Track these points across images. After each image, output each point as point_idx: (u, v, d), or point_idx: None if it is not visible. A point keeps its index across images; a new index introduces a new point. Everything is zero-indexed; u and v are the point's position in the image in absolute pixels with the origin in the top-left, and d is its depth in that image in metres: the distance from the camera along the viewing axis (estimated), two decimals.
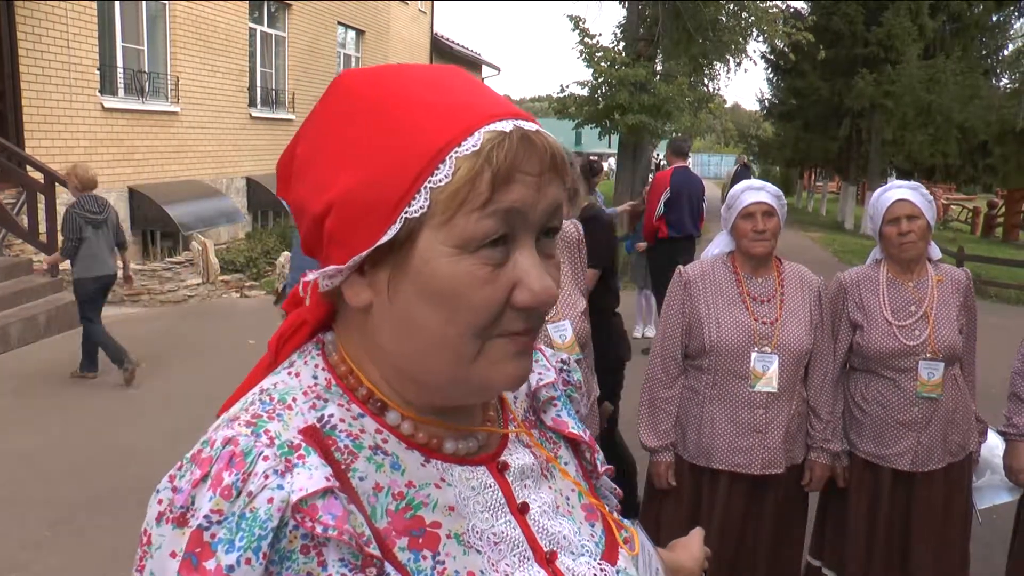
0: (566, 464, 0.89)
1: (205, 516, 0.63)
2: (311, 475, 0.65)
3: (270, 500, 0.63)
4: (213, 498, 0.63)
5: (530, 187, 0.68)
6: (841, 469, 2.86)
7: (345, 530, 0.64)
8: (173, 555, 0.63)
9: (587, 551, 0.81)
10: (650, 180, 11.06)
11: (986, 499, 3.02)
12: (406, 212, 0.66)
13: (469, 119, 0.67)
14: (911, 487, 2.81)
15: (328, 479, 0.66)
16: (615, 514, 0.91)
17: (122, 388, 6.29)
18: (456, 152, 0.66)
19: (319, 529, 0.64)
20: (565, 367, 0.98)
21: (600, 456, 0.95)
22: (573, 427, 0.91)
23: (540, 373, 0.92)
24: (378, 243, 0.67)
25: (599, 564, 0.81)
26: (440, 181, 0.66)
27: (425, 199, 0.66)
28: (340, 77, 0.75)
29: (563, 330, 2.47)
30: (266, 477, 0.64)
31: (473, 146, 0.66)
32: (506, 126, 0.68)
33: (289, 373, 0.76)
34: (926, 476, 2.80)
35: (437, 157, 0.66)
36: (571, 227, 2.66)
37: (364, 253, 0.69)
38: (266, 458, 0.65)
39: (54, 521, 4.13)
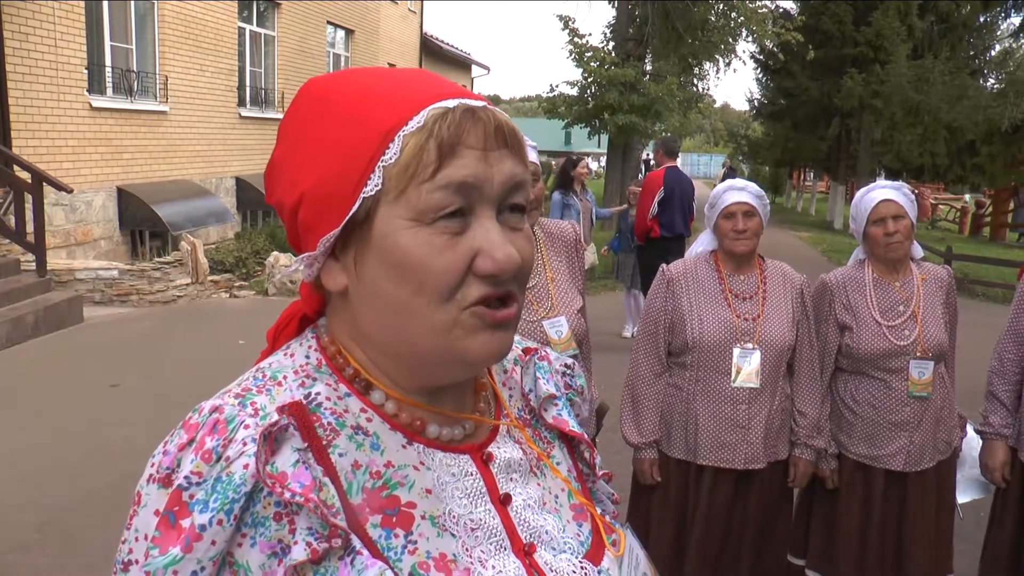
0: (559, 464, 0.89)
1: (185, 477, 0.67)
2: (258, 425, 0.69)
3: (246, 466, 0.67)
4: (194, 461, 0.67)
5: (478, 160, 0.71)
6: (829, 471, 2.87)
7: (311, 499, 0.67)
8: (156, 513, 0.67)
9: (569, 548, 0.81)
10: (640, 180, 11.08)
11: (964, 494, 3.04)
12: (363, 192, 0.71)
13: (416, 101, 0.72)
14: (904, 487, 2.82)
15: (273, 423, 0.69)
16: (607, 517, 0.91)
17: (110, 388, 6.27)
18: (404, 131, 0.70)
19: (287, 495, 0.67)
20: (569, 371, 0.98)
21: (599, 459, 0.95)
22: (573, 426, 0.92)
23: (540, 377, 0.92)
24: (342, 223, 0.72)
25: (580, 562, 0.81)
26: (390, 159, 0.70)
27: (379, 177, 0.71)
28: (305, 84, 0.80)
29: (559, 326, 2.50)
30: (244, 444, 0.68)
31: (418, 123, 0.70)
32: (450, 103, 0.72)
33: (285, 354, 0.80)
34: (918, 475, 2.81)
35: (387, 138, 0.71)
36: (568, 227, 2.70)
37: (332, 235, 0.73)
38: (247, 426, 0.69)
39: (42, 523, 4.11)
